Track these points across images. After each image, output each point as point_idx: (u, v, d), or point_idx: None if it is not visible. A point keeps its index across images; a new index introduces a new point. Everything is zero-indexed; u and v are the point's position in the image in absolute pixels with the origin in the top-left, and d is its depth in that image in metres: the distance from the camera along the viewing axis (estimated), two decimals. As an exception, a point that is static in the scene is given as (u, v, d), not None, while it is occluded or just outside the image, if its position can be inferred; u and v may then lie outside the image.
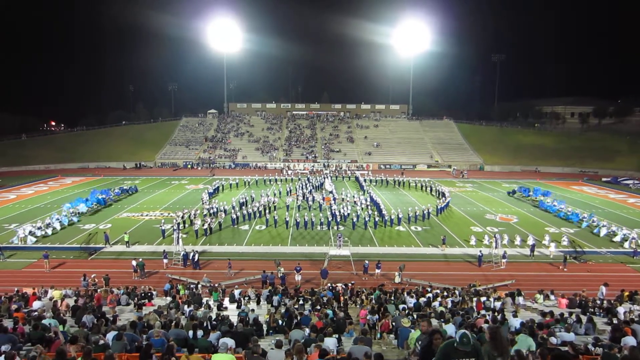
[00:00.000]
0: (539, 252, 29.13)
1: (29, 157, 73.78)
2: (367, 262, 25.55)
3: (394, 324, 13.54)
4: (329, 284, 22.74)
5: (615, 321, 14.28)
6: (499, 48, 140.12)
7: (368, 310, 15.32)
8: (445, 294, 20.31)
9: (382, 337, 13.50)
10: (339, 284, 22.25)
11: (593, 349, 10.00)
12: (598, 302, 18.73)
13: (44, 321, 12.12)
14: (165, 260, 26.51)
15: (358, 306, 18.84)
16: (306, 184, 50.51)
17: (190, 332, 11.49)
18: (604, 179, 64.08)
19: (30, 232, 30.97)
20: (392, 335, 13.24)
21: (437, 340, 5.99)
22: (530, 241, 29.92)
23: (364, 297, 19.92)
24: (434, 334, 6.14)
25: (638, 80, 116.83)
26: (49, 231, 32.19)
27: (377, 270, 24.96)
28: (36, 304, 16.54)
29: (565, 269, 26.44)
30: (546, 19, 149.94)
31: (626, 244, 30.65)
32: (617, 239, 31.90)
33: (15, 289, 19.62)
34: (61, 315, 14.36)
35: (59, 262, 26.60)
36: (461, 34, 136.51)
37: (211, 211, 37.48)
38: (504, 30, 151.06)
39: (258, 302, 19.13)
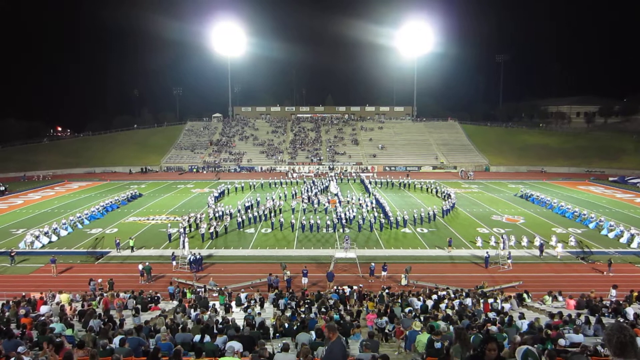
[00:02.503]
0: (546, 252, 28.93)
1: (36, 162, 74.28)
2: (373, 264, 25.47)
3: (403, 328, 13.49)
4: (335, 287, 22.72)
5: (624, 323, 14.14)
6: (503, 48, 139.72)
7: (376, 314, 15.22)
8: (452, 295, 20.20)
9: (387, 341, 13.29)
10: (345, 287, 22.21)
11: (603, 350, 9.90)
12: (607, 303, 18.56)
13: (51, 325, 12.17)
14: (174, 263, 26.65)
15: (364, 309, 18.79)
16: (311, 187, 50.52)
17: (198, 337, 11.51)
18: (610, 179, 63.59)
19: (37, 237, 31.15)
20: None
21: (491, 352, 4.63)
22: (537, 242, 29.79)
23: (369, 300, 19.85)
24: (487, 342, 4.69)
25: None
26: (54, 238, 32.34)
27: (383, 273, 24.88)
28: (43, 309, 16.63)
29: (610, 273, 25.46)
30: (550, 18, 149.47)
31: (634, 244, 30.45)
32: (623, 240, 31.65)
33: (23, 294, 19.72)
34: (69, 319, 14.42)
35: (66, 267, 26.72)
36: (465, 35, 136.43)
37: (217, 215, 37.56)
38: (508, 31, 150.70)
39: (262, 306, 19.12)
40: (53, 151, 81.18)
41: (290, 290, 22.16)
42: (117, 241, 29.83)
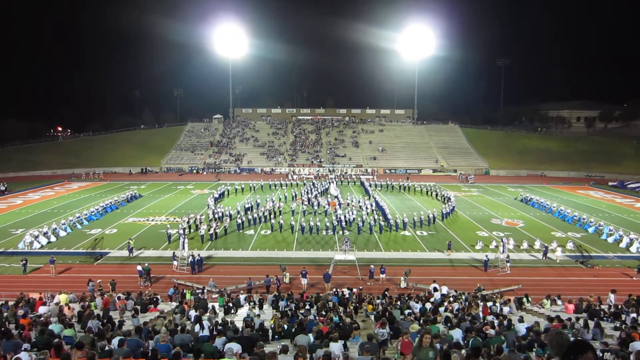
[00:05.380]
0: (547, 257, 28.93)
1: (36, 162, 74.32)
2: (372, 266, 25.47)
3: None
4: (334, 289, 22.71)
5: (623, 326, 14.13)
6: (504, 52, 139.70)
7: (379, 324, 14.41)
8: (451, 299, 20.21)
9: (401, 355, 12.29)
10: (345, 289, 22.22)
11: (601, 355, 9.90)
12: (605, 307, 18.57)
13: (50, 327, 12.16)
14: (175, 262, 26.67)
15: (363, 312, 18.79)
16: (311, 189, 50.53)
17: (197, 326, 11.49)
18: (610, 184, 63.66)
19: (36, 237, 31.11)
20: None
21: None
22: (537, 245, 29.83)
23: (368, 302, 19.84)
24: (582, 351, 3.48)
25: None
26: (53, 238, 32.28)
27: (382, 275, 24.88)
28: (42, 309, 16.60)
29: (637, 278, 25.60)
30: (551, 22, 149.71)
31: (633, 248, 30.50)
32: (622, 244, 31.66)
33: (20, 294, 19.61)
34: (67, 320, 14.41)
35: (65, 267, 26.70)
36: (466, 39, 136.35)
37: (217, 216, 37.55)
38: (509, 35, 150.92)
39: (260, 307, 19.12)
40: (53, 151, 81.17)
41: (289, 292, 22.14)
42: (131, 246, 29.12)
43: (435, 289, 21.69)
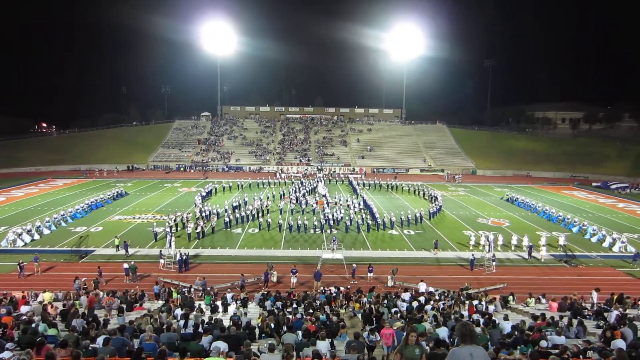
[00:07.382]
0: (532, 256, 29.32)
1: (20, 158, 73.10)
2: (355, 265, 25.53)
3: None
4: (321, 288, 22.75)
5: (605, 324, 14.36)
6: (492, 53, 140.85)
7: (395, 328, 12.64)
8: (437, 297, 20.37)
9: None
10: (332, 288, 22.26)
11: (584, 352, 10.05)
12: (588, 305, 18.88)
13: (33, 325, 11.97)
14: (162, 261, 26.45)
15: (351, 310, 18.84)
16: (299, 187, 50.48)
17: (182, 322, 11.38)
18: (594, 184, 64.75)
19: (19, 235, 30.56)
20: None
21: None
22: (525, 242, 30.18)
23: (354, 300, 19.90)
24: None
25: (628, 86, 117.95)
26: (37, 236, 31.74)
27: (369, 274, 24.96)
28: (24, 308, 16.31)
29: None
30: (538, 24, 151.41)
31: (615, 248, 31.04)
32: (605, 244, 32.21)
33: (4, 292, 19.28)
34: (50, 318, 14.18)
35: (49, 265, 26.27)
36: (454, 39, 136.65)
37: (204, 214, 37.32)
38: (496, 36, 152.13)
39: (245, 305, 19.06)
40: (37, 147, 79.79)
41: (277, 291, 22.11)
42: (126, 243, 28.62)
43: (405, 289, 21.85)
